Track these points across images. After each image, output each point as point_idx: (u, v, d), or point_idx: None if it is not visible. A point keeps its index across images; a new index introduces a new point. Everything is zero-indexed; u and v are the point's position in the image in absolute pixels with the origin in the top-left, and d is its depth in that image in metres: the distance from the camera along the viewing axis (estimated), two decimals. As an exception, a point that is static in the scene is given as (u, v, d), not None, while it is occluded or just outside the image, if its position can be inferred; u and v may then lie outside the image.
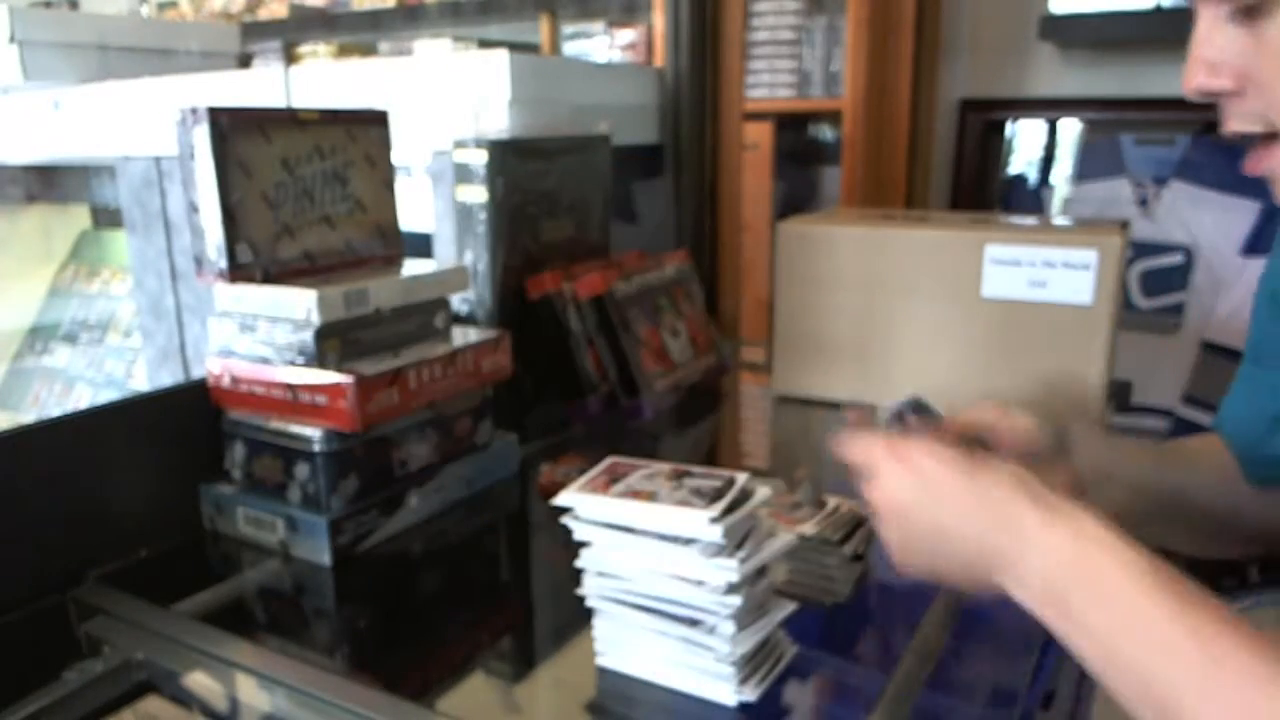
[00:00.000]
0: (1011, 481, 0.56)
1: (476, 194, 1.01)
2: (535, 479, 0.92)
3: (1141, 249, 2.11)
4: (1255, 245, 1.82)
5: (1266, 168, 0.60)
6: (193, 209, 0.79)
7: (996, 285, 1.05)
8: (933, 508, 0.58)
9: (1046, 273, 1.01)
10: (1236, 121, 0.59)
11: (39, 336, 1.79)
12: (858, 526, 0.73)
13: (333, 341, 0.78)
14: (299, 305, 0.78)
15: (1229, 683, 0.46)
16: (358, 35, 3.05)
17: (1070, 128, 2.20)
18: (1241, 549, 0.89)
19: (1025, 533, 0.54)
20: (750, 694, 0.58)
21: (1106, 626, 0.50)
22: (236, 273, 0.79)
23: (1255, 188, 1.78)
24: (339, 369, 0.78)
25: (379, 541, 0.82)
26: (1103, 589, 0.51)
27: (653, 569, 0.58)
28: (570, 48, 2.65)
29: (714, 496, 0.56)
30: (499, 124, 1.06)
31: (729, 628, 0.56)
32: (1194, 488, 0.79)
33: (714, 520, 0.55)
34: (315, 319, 0.77)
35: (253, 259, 0.80)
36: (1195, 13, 0.59)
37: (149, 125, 1.36)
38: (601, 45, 2.61)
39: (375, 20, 2.92)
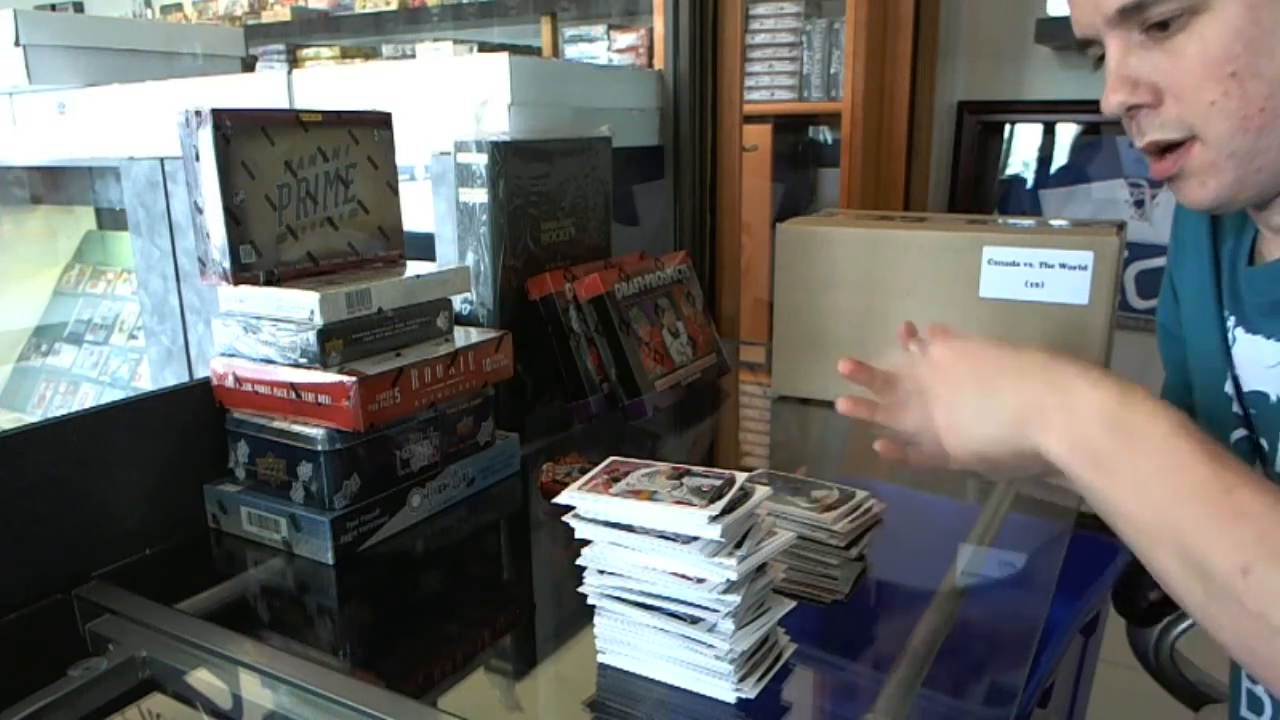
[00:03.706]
0: (1049, 350, 0.62)
1: (478, 195, 1.02)
2: (536, 478, 0.92)
3: (1137, 250, 2.12)
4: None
5: (1179, 167, 0.64)
6: (196, 210, 0.79)
7: (994, 286, 1.05)
8: (979, 361, 0.64)
9: (1044, 273, 1.02)
10: (1156, 131, 0.63)
11: (44, 337, 1.80)
12: (869, 529, 0.73)
13: (335, 342, 0.79)
14: (302, 306, 0.78)
15: (1254, 532, 0.49)
16: (360, 38, 3.06)
17: (1067, 130, 2.21)
18: None
19: (1066, 383, 0.58)
20: (749, 691, 0.58)
21: (1138, 474, 0.54)
22: (240, 274, 0.80)
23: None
24: (342, 369, 0.78)
25: (381, 540, 0.82)
26: (1137, 436, 0.54)
27: (653, 567, 0.58)
28: (571, 50, 2.66)
29: (713, 496, 0.57)
30: (500, 126, 1.07)
31: (728, 625, 0.57)
32: None
33: (713, 519, 0.55)
34: (318, 319, 0.78)
35: (256, 260, 0.81)
36: (1103, 41, 0.63)
37: (153, 127, 1.37)
38: (602, 48, 2.62)
39: (377, 23, 2.93)
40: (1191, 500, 0.52)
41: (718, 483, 0.58)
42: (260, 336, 0.81)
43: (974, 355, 0.65)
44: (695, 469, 0.61)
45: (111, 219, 1.82)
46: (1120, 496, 0.55)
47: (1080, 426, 0.56)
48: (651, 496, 0.57)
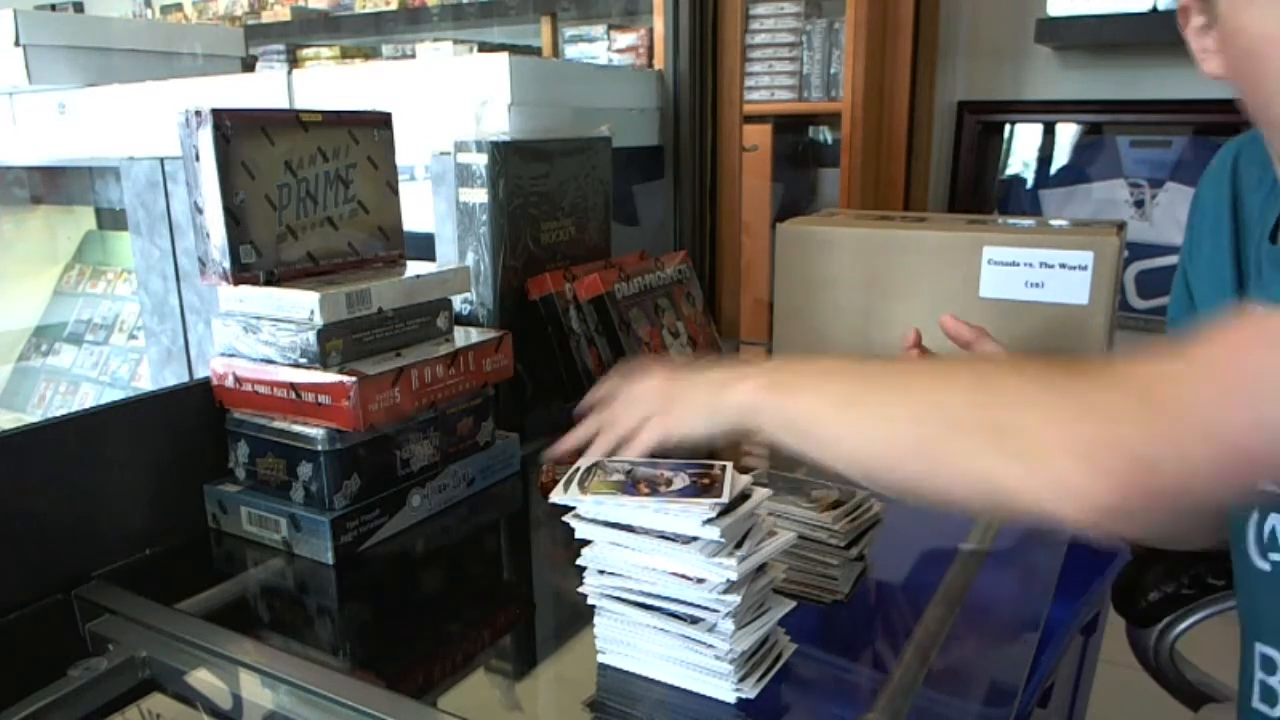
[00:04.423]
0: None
1: (478, 195, 1.02)
2: (536, 478, 0.92)
3: (1138, 250, 2.12)
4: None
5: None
6: (196, 210, 0.79)
7: (994, 286, 1.05)
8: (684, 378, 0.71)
9: (1044, 273, 1.02)
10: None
11: (44, 337, 1.79)
12: (869, 529, 0.73)
13: (335, 342, 0.79)
14: (302, 306, 0.78)
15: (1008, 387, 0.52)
16: (360, 38, 3.07)
17: (1067, 130, 2.21)
18: (1216, 536, 0.90)
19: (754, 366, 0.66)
20: (749, 691, 0.58)
21: (863, 384, 0.59)
22: (240, 274, 0.80)
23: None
24: (342, 369, 0.78)
25: (381, 540, 0.82)
26: (839, 362, 0.61)
27: (653, 567, 0.58)
28: (571, 50, 2.66)
29: (714, 496, 0.57)
30: (500, 126, 1.07)
31: (728, 625, 0.57)
32: None
33: (713, 519, 0.55)
34: (318, 319, 0.78)
35: (256, 260, 0.81)
36: None
37: (153, 127, 1.37)
38: (602, 48, 2.62)
39: (377, 23, 2.93)
40: (959, 374, 0.55)
41: (718, 483, 0.58)
42: (260, 336, 0.81)
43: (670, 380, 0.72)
44: (696, 469, 0.61)
45: (111, 219, 1.81)
46: (845, 411, 0.58)
47: (771, 370, 0.64)
48: (652, 496, 0.57)
